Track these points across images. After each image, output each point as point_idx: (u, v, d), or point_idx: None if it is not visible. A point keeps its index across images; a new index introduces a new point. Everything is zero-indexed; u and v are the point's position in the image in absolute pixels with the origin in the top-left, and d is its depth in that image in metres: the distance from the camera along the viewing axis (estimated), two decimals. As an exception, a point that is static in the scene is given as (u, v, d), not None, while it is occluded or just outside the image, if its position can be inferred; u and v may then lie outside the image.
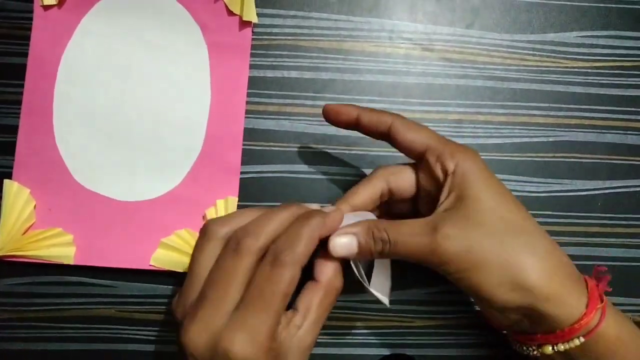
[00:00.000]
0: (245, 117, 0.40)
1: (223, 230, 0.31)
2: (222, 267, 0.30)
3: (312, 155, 0.40)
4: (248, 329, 0.28)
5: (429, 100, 0.41)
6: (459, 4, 0.42)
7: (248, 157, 0.40)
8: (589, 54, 0.42)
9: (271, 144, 0.40)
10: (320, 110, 0.40)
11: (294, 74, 0.41)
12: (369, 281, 0.33)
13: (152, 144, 0.39)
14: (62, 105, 0.39)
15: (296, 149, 0.40)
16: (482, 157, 0.41)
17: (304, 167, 0.40)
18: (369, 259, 0.33)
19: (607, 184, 0.41)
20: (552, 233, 0.40)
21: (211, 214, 0.39)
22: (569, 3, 0.42)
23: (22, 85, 0.39)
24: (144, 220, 0.39)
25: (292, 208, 0.32)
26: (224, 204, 0.39)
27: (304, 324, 0.30)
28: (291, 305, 0.31)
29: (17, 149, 0.39)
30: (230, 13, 0.40)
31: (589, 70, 0.42)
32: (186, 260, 0.38)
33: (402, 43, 0.41)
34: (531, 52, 0.42)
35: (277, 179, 0.40)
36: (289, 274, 0.29)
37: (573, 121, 0.42)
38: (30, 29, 0.39)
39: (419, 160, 0.34)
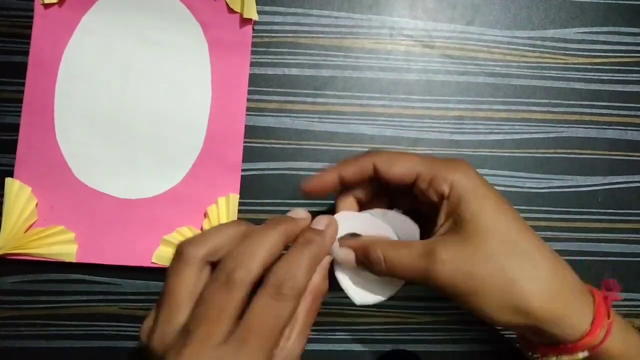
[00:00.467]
0: (246, 115, 0.40)
1: (200, 252, 0.28)
2: (210, 301, 0.27)
3: (313, 153, 0.40)
4: (193, 347, 0.26)
5: (430, 97, 0.41)
6: (459, 1, 0.42)
7: (249, 154, 0.40)
8: (589, 50, 0.42)
9: (272, 141, 0.40)
10: (321, 107, 0.40)
11: (294, 71, 0.41)
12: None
13: (153, 142, 0.39)
14: (63, 104, 0.39)
15: (297, 146, 0.40)
16: (483, 153, 0.41)
17: (304, 165, 0.40)
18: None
19: (608, 179, 0.41)
20: (552, 229, 0.41)
21: (212, 211, 0.39)
22: (569, -1, 0.42)
23: (23, 84, 0.39)
24: (145, 218, 0.39)
25: (280, 228, 0.29)
26: (226, 201, 0.39)
27: (293, 335, 0.28)
28: None
29: (19, 147, 0.39)
30: (231, 10, 0.40)
31: (589, 67, 0.42)
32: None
33: (403, 40, 0.41)
34: (531, 48, 0.42)
35: (278, 176, 0.40)
36: (290, 308, 0.27)
37: (573, 117, 0.42)
38: (30, 28, 0.39)
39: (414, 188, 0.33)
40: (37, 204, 0.38)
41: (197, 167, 0.39)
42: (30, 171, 0.39)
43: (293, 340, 0.28)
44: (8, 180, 0.38)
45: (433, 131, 0.41)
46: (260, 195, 0.40)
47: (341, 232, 0.32)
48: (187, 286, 0.28)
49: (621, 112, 0.42)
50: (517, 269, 0.29)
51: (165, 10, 0.40)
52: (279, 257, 0.28)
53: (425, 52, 0.41)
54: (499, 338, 0.40)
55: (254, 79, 0.40)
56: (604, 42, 0.42)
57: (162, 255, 0.38)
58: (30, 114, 0.39)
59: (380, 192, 0.34)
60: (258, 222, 0.39)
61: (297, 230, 0.30)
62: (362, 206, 0.34)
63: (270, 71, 0.41)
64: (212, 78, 0.40)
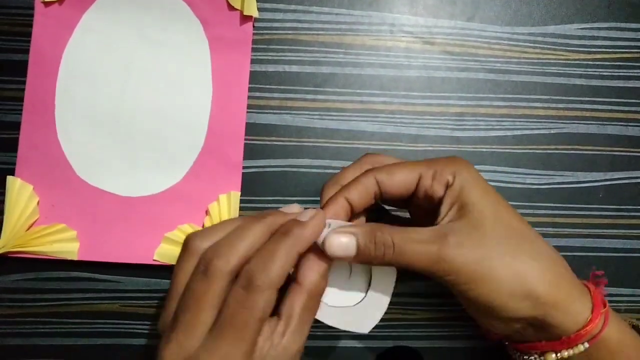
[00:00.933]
0: (247, 112, 0.40)
1: (204, 245, 0.29)
2: (192, 290, 0.28)
3: (313, 150, 0.40)
4: (221, 356, 0.26)
5: (430, 94, 0.41)
6: (459, -3, 0.42)
7: (250, 151, 0.40)
8: (589, 46, 0.42)
9: (273, 138, 0.40)
10: (321, 104, 0.40)
11: (294, 68, 0.41)
12: (366, 292, 0.32)
13: (154, 140, 0.40)
14: (64, 102, 0.39)
15: (298, 144, 0.40)
16: (484, 149, 0.41)
17: (305, 162, 0.40)
18: (367, 264, 0.31)
19: (608, 175, 0.41)
20: (553, 225, 0.41)
21: (214, 208, 0.39)
22: (569, -5, 0.42)
23: (23, 82, 0.39)
24: (147, 216, 0.39)
25: (267, 219, 0.29)
26: (227, 199, 0.39)
27: (287, 332, 0.28)
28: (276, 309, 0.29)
29: (20, 146, 0.39)
30: (231, 8, 0.40)
31: (590, 62, 0.42)
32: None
33: (403, 36, 0.41)
34: (532, 44, 0.42)
35: (279, 174, 0.40)
36: (263, 300, 0.27)
37: (574, 113, 0.42)
38: (31, 26, 0.39)
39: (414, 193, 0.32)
40: (38, 202, 0.38)
41: (198, 165, 0.39)
42: (32, 169, 0.39)
43: (288, 337, 0.28)
44: (9, 178, 0.38)
45: (434, 128, 0.41)
46: (262, 193, 0.40)
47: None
48: (187, 276, 0.29)
49: (622, 108, 0.42)
50: (522, 253, 0.30)
51: (166, 8, 0.40)
52: None
53: (425, 48, 0.41)
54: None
55: (254, 76, 0.40)
56: (605, 38, 0.42)
57: (163, 253, 0.38)
58: (31, 113, 0.39)
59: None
60: (259, 219, 0.40)
61: (283, 223, 0.30)
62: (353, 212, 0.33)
63: (270, 68, 0.41)
64: (212, 75, 0.40)
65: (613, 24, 0.42)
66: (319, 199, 0.39)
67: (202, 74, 0.40)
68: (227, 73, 0.40)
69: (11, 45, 0.40)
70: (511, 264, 0.29)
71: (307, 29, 0.41)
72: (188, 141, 0.40)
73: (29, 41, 0.39)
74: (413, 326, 0.40)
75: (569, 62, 0.42)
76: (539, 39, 0.42)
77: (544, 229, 0.41)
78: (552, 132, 0.41)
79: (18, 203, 0.38)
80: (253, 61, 0.40)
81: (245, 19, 0.40)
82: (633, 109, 0.42)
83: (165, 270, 0.39)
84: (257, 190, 0.40)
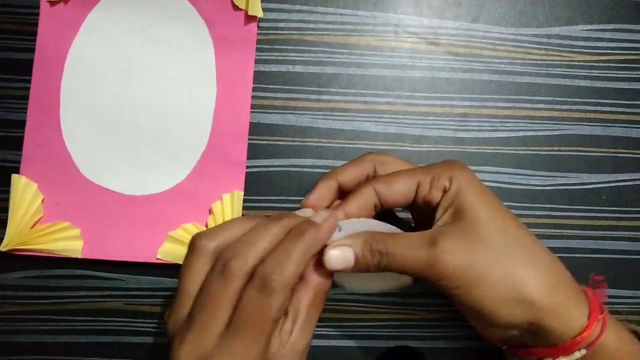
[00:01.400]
0: (251, 112, 0.40)
1: (211, 244, 0.29)
2: (209, 290, 0.28)
3: (317, 150, 0.40)
4: (236, 356, 0.27)
5: (434, 94, 0.41)
6: (464, -2, 0.42)
7: (253, 151, 0.40)
8: (594, 48, 0.42)
9: (276, 138, 0.40)
10: (325, 105, 0.41)
11: (299, 68, 0.41)
12: None
13: (158, 139, 0.40)
14: (68, 100, 0.39)
15: (301, 144, 0.40)
16: (487, 151, 0.41)
17: (309, 162, 0.40)
18: (365, 272, 0.31)
19: (612, 177, 0.41)
20: (556, 226, 0.41)
21: (217, 207, 0.39)
22: (574, -4, 0.42)
23: (29, 81, 0.39)
24: (150, 214, 0.39)
25: (283, 221, 0.30)
26: (230, 198, 0.39)
27: (295, 329, 0.29)
28: None
29: (25, 144, 0.39)
30: (236, 8, 0.40)
31: (595, 64, 0.42)
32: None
33: (408, 37, 0.41)
34: (537, 45, 0.42)
35: (283, 173, 0.40)
36: (278, 302, 0.27)
37: (578, 115, 0.42)
38: (36, 25, 0.39)
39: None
40: (43, 200, 0.39)
41: (201, 164, 0.40)
42: (36, 168, 0.39)
43: (296, 334, 0.29)
44: (14, 176, 0.38)
45: (437, 128, 0.41)
46: (265, 192, 0.40)
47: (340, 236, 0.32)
48: (197, 276, 0.29)
49: (626, 110, 0.42)
50: (517, 257, 0.29)
51: (171, 8, 0.40)
52: None
53: (430, 49, 0.41)
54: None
55: (258, 76, 0.40)
56: (610, 40, 0.42)
57: (167, 252, 0.39)
58: (36, 111, 0.39)
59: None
60: (262, 218, 0.40)
61: (297, 224, 0.30)
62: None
63: (274, 68, 0.41)
64: (216, 75, 0.40)
65: (618, 26, 0.42)
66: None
67: (206, 73, 0.40)
68: (231, 73, 0.40)
69: (16, 44, 0.40)
70: (504, 270, 0.29)
71: (311, 29, 0.41)
72: (192, 140, 0.40)
73: (35, 40, 0.39)
74: (415, 326, 0.40)
75: (573, 63, 0.42)
76: (544, 40, 0.42)
77: (547, 230, 0.41)
78: (555, 133, 0.41)
79: (22, 201, 0.38)
80: (257, 61, 0.40)
81: (249, 19, 0.40)
82: (637, 110, 0.42)
83: (168, 269, 0.39)
84: (261, 190, 0.40)
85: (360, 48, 0.41)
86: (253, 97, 0.40)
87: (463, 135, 0.41)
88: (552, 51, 0.42)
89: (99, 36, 0.40)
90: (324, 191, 0.34)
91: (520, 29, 0.42)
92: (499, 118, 0.41)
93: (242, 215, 0.39)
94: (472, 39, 0.41)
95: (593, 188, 0.41)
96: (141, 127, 0.40)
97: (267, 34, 0.41)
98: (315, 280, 0.30)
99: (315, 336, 0.39)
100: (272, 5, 0.41)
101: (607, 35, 0.42)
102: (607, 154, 0.41)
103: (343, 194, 0.34)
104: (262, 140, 0.40)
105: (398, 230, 0.32)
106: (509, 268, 0.29)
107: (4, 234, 0.38)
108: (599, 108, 0.42)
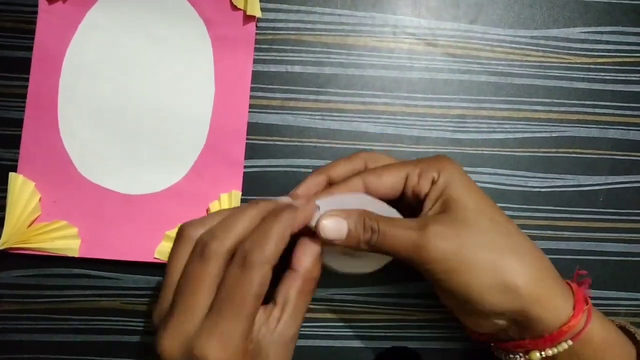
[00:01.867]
0: (249, 112, 0.40)
1: (197, 232, 0.30)
2: (189, 273, 0.28)
3: (315, 150, 0.40)
4: (220, 335, 0.27)
5: (432, 95, 0.41)
6: (462, -1, 0.42)
7: (251, 151, 0.40)
8: (592, 50, 0.42)
9: (274, 138, 0.40)
10: (323, 105, 0.41)
11: (297, 68, 0.41)
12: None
13: (156, 138, 0.40)
14: (67, 99, 0.39)
15: (299, 144, 0.40)
16: (485, 152, 0.41)
17: (307, 162, 0.40)
18: (354, 247, 0.31)
19: (609, 179, 0.41)
20: (553, 228, 0.41)
21: (215, 207, 0.39)
22: (572, -2, 0.42)
23: (27, 79, 0.39)
24: (148, 213, 0.39)
25: (260, 205, 0.30)
26: (228, 198, 0.39)
27: (283, 317, 0.29)
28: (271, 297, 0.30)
29: (22, 143, 0.39)
30: (234, 8, 0.40)
31: (592, 66, 0.42)
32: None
33: (406, 38, 0.41)
34: (534, 47, 0.42)
35: (281, 173, 0.40)
36: (258, 276, 0.27)
37: (575, 117, 0.42)
38: (35, 23, 0.39)
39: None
40: (40, 199, 0.39)
41: (199, 164, 0.40)
42: (34, 166, 0.39)
43: (284, 322, 0.29)
44: (12, 175, 0.38)
45: (435, 129, 0.41)
46: (263, 192, 0.40)
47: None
48: (181, 263, 0.29)
49: (624, 112, 0.42)
50: (504, 246, 0.30)
51: (169, 7, 0.40)
52: None
53: (428, 50, 0.41)
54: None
55: (256, 76, 0.41)
56: (608, 42, 0.42)
57: (164, 251, 0.39)
58: (34, 109, 0.39)
59: None
60: (260, 218, 0.40)
61: (275, 207, 0.30)
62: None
63: (273, 68, 0.41)
64: (215, 75, 0.40)
65: (616, 28, 0.42)
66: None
67: (204, 73, 0.40)
68: (230, 72, 0.40)
69: (15, 42, 0.40)
70: (490, 257, 0.29)
71: (309, 30, 0.41)
72: (190, 140, 0.40)
73: (33, 38, 0.39)
74: (412, 327, 0.40)
75: (571, 65, 0.42)
76: (542, 42, 0.42)
77: (544, 232, 0.41)
78: (553, 135, 0.41)
79: (20, 200, 0.38)
80: (255, 61, 0.41)
81: (248, 18, 0.40)
82: (635, 113, 0.42)
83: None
84: (258, 190, 0.40)
85: (358, 49, 0.41)
86: (251, 97, 0.40)
87: (461, 136, 0.41)
88: (549, 53, 0.42)
89: (98, 35, 0.40)
90: (313, 185, 0.35)
91: (518, 31, 0.42)
92: (496, 119, 0.41)
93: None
94: (470, 40, 0.41)
95: (590, 190, 0.41)
96: (139, 126, 0.40)
97: (265, 34, 0.41)
98: (303, 268, 0.30)
99: (312, 337, 0.40)
100: (270, 6, 0.41)
101: (605, 37, 0.42)
102: (605, 156, 0.42)
103: None
104: (260, 140, 0.40)
105: (386, 205, 0.33)
106: (495, 255, 0.30)
107: (0, 233, 0.38)
108: (596, 110, 0.42)
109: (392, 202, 0.34)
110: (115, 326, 0.39)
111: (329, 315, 0.40)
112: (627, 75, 0.42)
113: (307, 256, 0.30)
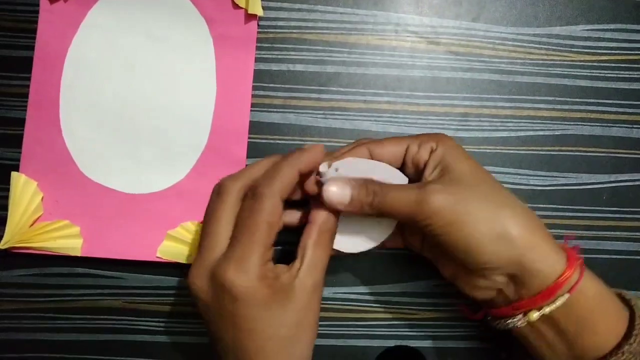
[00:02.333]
0: (251, 110, 0.40)
1: (237, 185, 0.32)
2: (208, 210, 0.32)
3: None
4: (237, 259, 0.29)
5: (435, 94, 0.41)
6: (464, -3, 0.42)
7: (253, 150, 0.40)
8: (595, 48, 0.42)
9: (276, 137, 0.40)
10: (325, 104, 0.40)
11: (299, 67, 0.41)
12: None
13: (158, 137, 0.40)
14: (68, 98, 0.39)
15: (301, 142, 0.40)
16: (488, 150, 0.41)
17: (309, 160, 0.40)
18: (358, 212, 0.33)
19: (613, 177, 0.41)
20: (557, 226, 0.41)
21: (217, 206, 0.39)
22: (575, -4, 0.42)
23: (28, 79, 0.39)
24: (150, 213, 0.39)
25: (277, 155, 0.34)
26: (230, 197, 0.39)
27: (303, 266, 0.31)
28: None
29: (24, 142, 0.39)
30: (236, 6, 0.40)
31: (595, 64, 0.42)
32: (192, 251, 0.39)
33: (408, 36, 0.41)
34: (537, 45, 0.41)
35: (283, 172, 0.40)
36: (268, 203, 0.30)
37: (579, 115, 0.41)
38: (36, 22, 0.39)
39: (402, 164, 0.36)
40: (42, 198, 0.39)
41: (201, 163, 0.40)
42: (36, 166, 0.39)
43: (304, 270, 0.31)
44: (14, 174, 0.38)
45: (438, 128, 0.41)
46: (264, 191, 0.40)
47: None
48: (227, 214, 0.31)
49: (627, 110, 0.42)
50: (498, 200, 0.32)
51: (171, 6, 0.40)
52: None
53: (430, 48, 0.41)
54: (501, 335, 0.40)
55: (258, 75, 0.40)
56: (610, 40, 0.42)
57: (166, 250, 0.39)
58: (36, 109, 0.39)
59: None
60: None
61: (286, 154, 0.33)
62: None
63: (274, 67, 0.41)
64: (217, 74, 0.40)
65: (619, 26, 0.42)
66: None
67: (206, 72, 0.40)
68: (232, 71, 0.40)
69: (16, 41, 0.40)
70: (486, 207, 0.31)
71: (311, 28, 0.41)
72: (192, 139, 0.40)
73: (34, 37, 0.39)
74: (415, 326, 0.40)
75: (574, 63, 0.42)
76: (544, 40, 0.42)
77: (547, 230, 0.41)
78: (556, 133, 0.41)
79: (22, 199, 0.38)
80: (257, 60, 0.40)
81: (249, 17, 0.40)
82: (638, 111, 0.42)
83: (168, 267, 0.39)
84: (260, 189, 0.40)
85: (360, 47, 0.41)
86: (253, 95, 0.40)
87: (463, 134, 0.41)
88: (552, 51, 0.42)
89: (99, 34, 0.40)
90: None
91: (520, 29, 0.42)
92: (499, 118, 0.41)
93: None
94: (472, 38, 0.41)
95: (593, 188, 0.41)
96: (141, 126, 0.40)
97: (267, 32, 0.41)
98: (318, 219, 0.32)
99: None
100: (272, 4, 0.41)
101: (608, 35, 0.42)
102: (608, 154, 0.41)
103: None
104: (262, 139, 0.40)
105: (398, 172, 0.34)
106: (491, 207, 0.31)
107: (3, 232, 0.38)
108: (599, 108, 0.42)
109: None
110: (118, 325, 0.39)
111: (332, 314, 0.40)
112: (630, 72, 0.42)
113: (321, 209, 0.32)
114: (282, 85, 0.41)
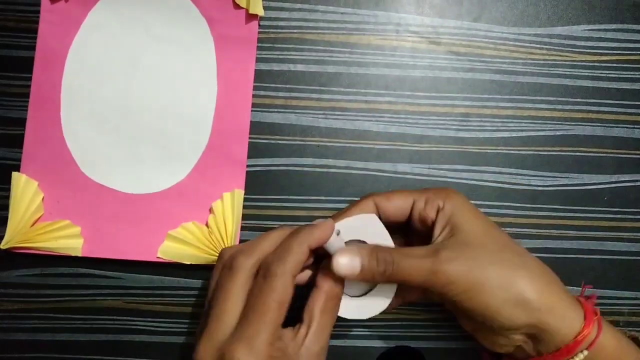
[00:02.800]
0: (252, 111, 0.40)
1: (229, 252, 0.33)
2: (219, 285, 0.31)
3: (318, 149, 0.40)
4: (247, 339, 0.29)
5: (436, 94, 0.41)
6: (466, -3, 0.42)
7: (254, 150, 0.40)
8: (596, 48, 0.42)
9: (277, 137, 0.40)
10: (326, 104, 0.40)
11: (300, 67, 0.41)
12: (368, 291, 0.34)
13: (159, 137, 0.40)
14: (69, 98, 0.39)
15: (302, 143, 0.40)
16: (489, 150, 0.41)
17: (309, 161, 0.40)
18: (370, 281, 0.33)
19: (614, 178, 0.41)
20: (557, 227, 0.41)
21: (218, 206, 0.39)
22: (577, -4, 0.42)
23: (29, 79, 0.39)
24: (151, 213, 0.39)
25: (284, 227, 0.33)
26: (231, 197, 0.39)
27: (309, 332, 0.31)
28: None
29: (25, 142, 0.39)
30: (237, 6, 0.40)
31: (597, 64, 0.42)
32: (193, 252, 0.38)
33: (409, 36, 0.41)
34: (538, 45, 0.41)
35: (283, 172, 0.40)
36: (279, 283, 0.30)
37: (580, 115, 0.41)
38: (37, 22, 0.39)
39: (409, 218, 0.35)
40: (43, 198, 0.39)
41: (202, 163, 0.40)
42: (37, 166, 0.39)
43: (310, 337, 0.31)
44: (15, 174, 0.38)
45: (439, 128, 0.41)
46: (265, 191, 0.40)
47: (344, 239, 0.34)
48: (238, 291, 0.31)
49: (628, 110, 0.42)
50: (513, 263, 0.31)
51: (172, 6, 0.40)
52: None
53: (431, 48, 0.41)
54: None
55: (259, 75, 0.40)
56: (612, 40, 0.42)
57: (167, 250, 0.39)
58: (37, 109, 0.39)
59: None
60: (262, 217, 0.40)
61: (297, 228, 0.33)
62: None
63: (275, 67, 0.41)
64: (217, 74, 0.40)
65: (620, 26, 0.42)
66: (322, 198, 0.40)
67: (207, 72, 0.40)
68: (232, 71, 0.40)
69: (17, 41, 0.40)
70: (501, 273, 0.31)
71: (312, 28, 0.41)
72: (192, 139, 0.40)
73: (35, 37, 0.39)
74: (416, 326, 0.40)
75: (575, 63, 0.41)
76: (546, 40, 0.41)
77: (548, 230, 0.41)
78: (557, 133, 0.41)
79: (23, 199, 0.38)
80: (258, 60, 0.40)
81: (250, 17, 0.40)
82: (639, 111, 0.42)
83: (168, 268, 0.39)
84: (261, 189, 0.40)
85: (361, 47, 0.41)
86: (254, 95, 0.40)
87: (464, 135, 0.41)
88: (554, 51, 0.41)
89: (100, 34, 0.40)
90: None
91: (522, 29, 0.41)
92: (500, 118, 0.41)
93: (242, 214, 0.39)
94: (473, 38, 0.41)
95: (595, 189, 0.41)
96: (142, 126, 0.40)
97: (268, 32, 0.41)
98: (325, 285, 0.32)
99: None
100: (273, 4, 0.41)
101: (609, 35, 0.42)
102: (609, 155, 0.41)
103: None
104: (262, 139, 0.40)
105: (386, 233, 0.34)
106: (506, 271, 0.31)
107: (4, 232, 0.38)
108: (601, 108, 0.41)
109: (400, 226, 0.35)
110: (118, 325, 0.39)
111: (332, 315, 0.40)
112: (632, 73, 0.42)
113: (330, 274, 0.32)
114: (283, 85, 0.41)
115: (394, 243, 0.34)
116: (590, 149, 0.41)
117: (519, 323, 0.31)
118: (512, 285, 0.31)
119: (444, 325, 0.40)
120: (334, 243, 0.32)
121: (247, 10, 0.40)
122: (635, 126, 0.42)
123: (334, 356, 0.40)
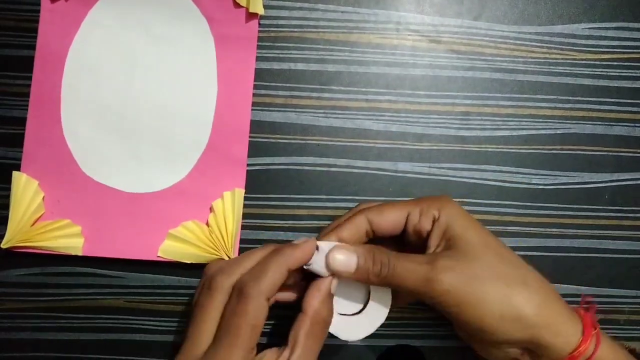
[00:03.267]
0: (252, 109, 0.40)
1: (211, 269, 0.32)
2: (197, 304, 0.31)
3: (318, 148, 0.40)
4: None
5: (436, 92, 0.41)
6: (466, -4, 0.42)
7: (254, 149, 0.40)
8: (597, 46, 0.42)
9: (277, 136, 0.40)
10: (326, 103, 0.40)
11: (300, 66, 0.41)
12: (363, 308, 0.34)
13: (159, 136, 0.40)
14: (69, 98, 0.39)
15: (302, 142, 0.40)
16: (489, 149, 0.41)
17: (310, 160, 0.40)
18: (364, 281, 0.32)
19: (615, 176, 0.41)
20: (558, 225, 0.41)
21: (218, 205, 0.39)
22: (577, -6, 0.42)
23: (30, 78, 0.39)
24: (151, 212, 0.39)
25: (268, 245, 0.33)
26: (231, 196, 0.39)
27: (292, 357, 0.30)
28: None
29: (26, 141, 0.39)
30: (237, 5, 0.40)
31: (597, 62, 0.42)
32: (193, 251, 0.38)
33: (409, 35, 0.41)
34: (539, 44, 0.41)
35: (284, 171, 0.40)
36: (252, 307, 0.29)
37: (580, 113, 0.41)
38: (37, 22, 0.39)
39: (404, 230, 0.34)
40: (43, 198, 0.39)
41: (202, 162, 0.40)
42: (37, 165, 0.39)
43: None
44: (15, 174, 0.38)
45: (439, 127, 0.41)
46: (266, 190, 0.40)
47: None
48: (215, 311, 0.30)
49: (629, 109, 0.42)
50: (511, 277, 0.31)
51: (172, 5, 0.40)
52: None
53: (431, 47, 0.41)
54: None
55: (259, 74, 0.40)
56: (612, 38, 0.42)
57: (167, 250, 0.39)
58: (37, 108, 0.39)
59: None
60: (262, 216, 0.40)
61: (278, 247, 0.32)
62: None
63: (276, 66, 0.41)
64: (218, 73, 0.40)
65: (621, 24, 0.42)
66: (322, 197, 0.40)
67: (207, 71, 0.40)
68: (233, 70, 0.40)
69: (17, 40, 0.40)
70: (499, 287, 0.30)
71: (313, 27, 0.41)
72: (193, 138, 0.40)
73: (35, 37, 0.39)
74: (416, 325, 0.40)
75: (576, 62, 0.41)
76: (546, 38, 0.41)
77: (549, 229, 0.41)
78: (558, 132, 0.41)
79: (23, 198, 0.38)
80: (258, 58, 0.40)
81: (251, 16, 0.40)
82: (640, 109, 0.42)
83: (169, 267, 0.39)
84: (262, 188, 0.40)
85: (361, 46, 0.41)
86: (254, 94, 0.40)
87: (465, 133, 0.41)
88: (554, 49, 0.41)
89: (100, 33, 0.40)
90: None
91: (522, 27, 0.41)
92: (501, 116, 0.41)
93: (243, 213, 0.39)
94: (474, 36, 0.41)
95: (595, 187, 0.41)
96: (142, 125, 0.40)
97: (268, 31, 0.41)
98: (311, 309, 0.31)
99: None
100: (273, 3, 0.41)
101: (610, 33, 0.42)
102: (610, 153, 0.41)
103: None
104: (263, 138, 0.40)
105: None
106: (503, 286, 0.31)
107: (4, 232, 0.38)
108: (601, 107, 0.41)
109: (395, 239, 0.35)
110: (119, 324, 0.39)
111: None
112: (633, 71, 0.42)
113: (315, 298, 0.31)
114: (283, 84, 0.41)
115: None
116: (590, 148, 0.41)
117: (514, 338, 0.31)
118: (510, 301, 0.30)
119: (445, 324, 0.40)
120: (317, 262, 0.32)
121: (247, 9, 0.40)
122: (636, 124, 0.41)
123: (334, 355, 0.40)
